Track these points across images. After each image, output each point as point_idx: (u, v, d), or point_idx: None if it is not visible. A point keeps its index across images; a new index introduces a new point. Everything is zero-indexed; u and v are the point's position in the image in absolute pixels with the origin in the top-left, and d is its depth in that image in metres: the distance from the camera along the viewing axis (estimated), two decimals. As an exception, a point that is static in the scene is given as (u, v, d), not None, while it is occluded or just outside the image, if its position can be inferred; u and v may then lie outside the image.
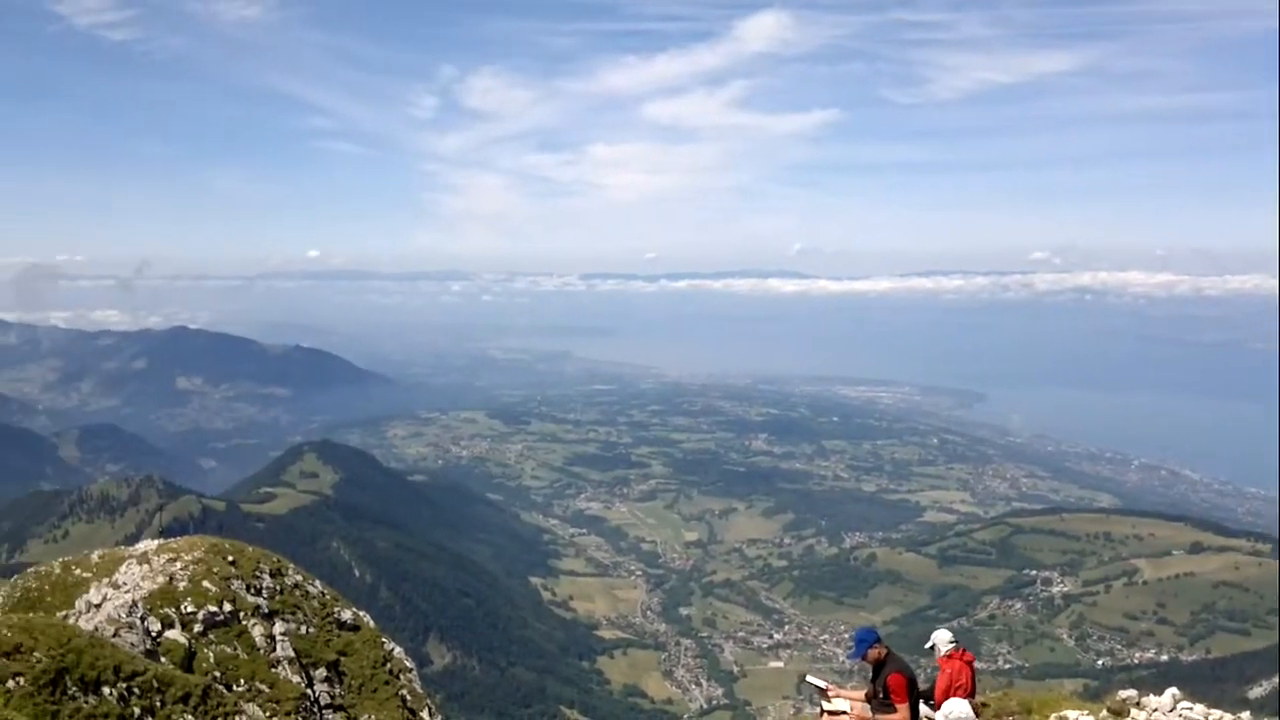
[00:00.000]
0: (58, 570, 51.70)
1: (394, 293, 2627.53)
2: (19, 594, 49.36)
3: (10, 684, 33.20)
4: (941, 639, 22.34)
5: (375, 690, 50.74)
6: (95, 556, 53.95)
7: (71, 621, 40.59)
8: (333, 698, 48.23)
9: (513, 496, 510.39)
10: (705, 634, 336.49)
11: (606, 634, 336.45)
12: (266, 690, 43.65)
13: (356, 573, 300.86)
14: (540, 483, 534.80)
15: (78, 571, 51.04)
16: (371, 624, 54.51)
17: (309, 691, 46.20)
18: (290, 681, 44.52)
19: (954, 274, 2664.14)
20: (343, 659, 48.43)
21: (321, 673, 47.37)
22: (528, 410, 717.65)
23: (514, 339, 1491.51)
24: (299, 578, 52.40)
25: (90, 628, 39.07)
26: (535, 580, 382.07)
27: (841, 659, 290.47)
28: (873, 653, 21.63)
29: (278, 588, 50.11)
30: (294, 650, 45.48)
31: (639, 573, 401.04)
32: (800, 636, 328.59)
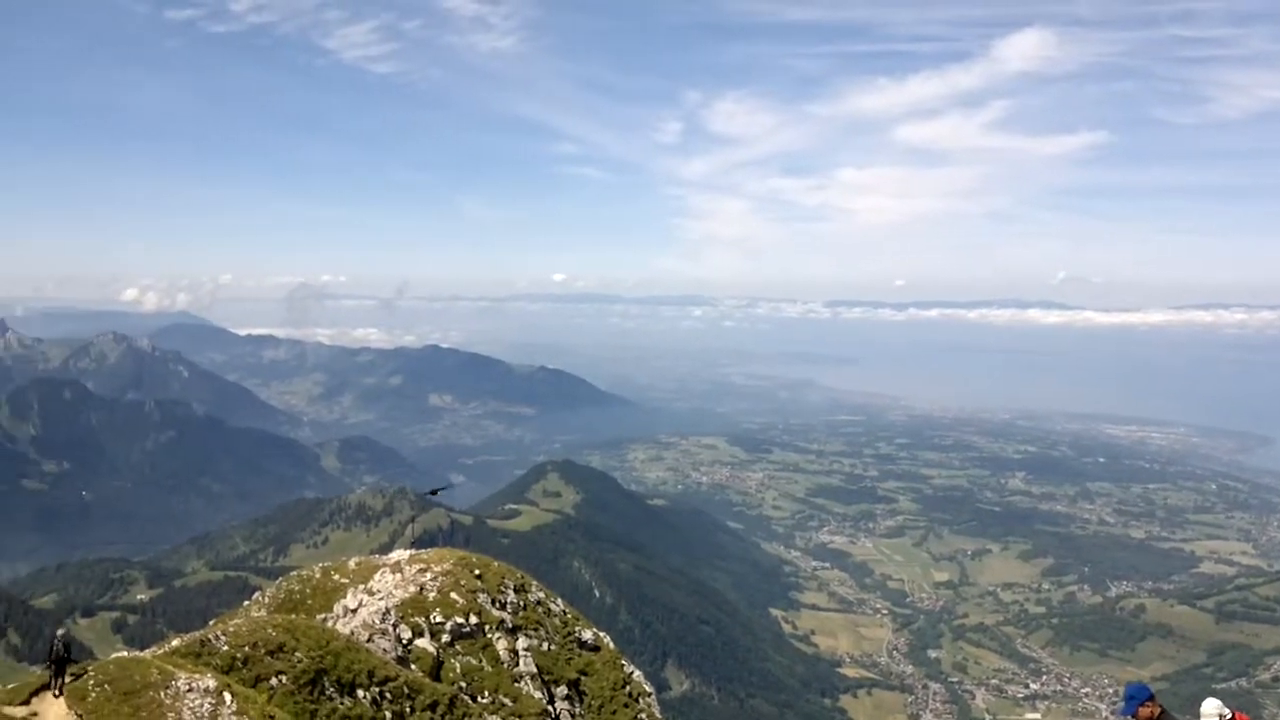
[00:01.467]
0: (318, 575, 55.84)
1: (636, 316, 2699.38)
2: (283, 595, 53.62)
3: (274, 681, 35.93)
4: (1210, 709, 20.23)
5: (615, 712, 51.61)
6: (352, 563, 57.92)
7: (330, 625, 43.61)
8: (573, 716, 49.42)
9: (753, 525, 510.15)
10: (955, 679, 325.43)
11: (850, 672, 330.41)
12: (509, 704, 45.28)
13: (597, 593, 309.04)
14: (781, 513, 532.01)
15: (336, 577, 54.90)
16: (611, 645, 55.59)
17: (550, 708, 47.57)
18: (533, 697, 45.97)
19: (1236, 307, 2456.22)
20: (583, 678, 49.53)
21: (562, 690, 48.68)
22: (769, 438, 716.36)
23: (756, 365, 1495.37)
24: (541, 594, 54.15)
25: (347, 631, 41.78)
26: (776, 612, 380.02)
27: (1105, 715, 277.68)
28: (1144, 711, 19.82)
29: (521, 603, 51.99)
30: (536, 666, 46.90)
31: (884, 611, 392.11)
32: (1059, 688, 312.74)
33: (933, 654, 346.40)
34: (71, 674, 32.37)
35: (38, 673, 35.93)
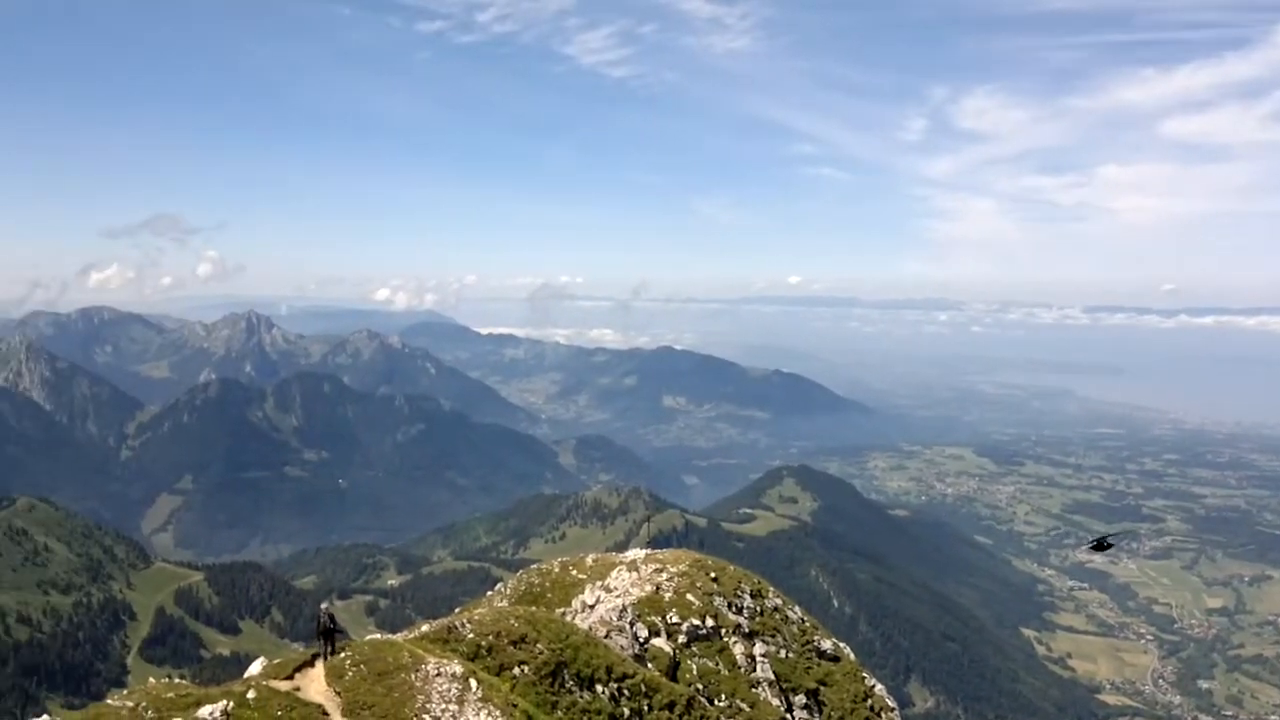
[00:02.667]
0: (556, 569, 57.76)
1: (877, 321, 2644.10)
2: (523, 588, 55.78)
3: (516, 671, 37.41)
4: None
5: (855, 727, 50.71)
6: (589, 560, 59.56)
7: (569, 619, 44.98)
8: (811, 728, 48.95)
9: (1003, 541, 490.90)
10: (1229, 712, 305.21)
11: (1110, 699, 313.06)
12: (746, 709, 45.26)
13: (835, 603, 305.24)
14: (1034, 529, 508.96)
15: (574, 572, 56.61)
16: (852, 656, 54.58)
17: (788, 717, 47.21)
18: (770, 704, 45.79)
19: None
20: (822, 688, 48.83)
21: (801, 699, 48.19)
22: (1020, 450, 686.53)
23: (1006, 373, 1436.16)
24: (779, 601, 53.82)
25: (585, 627, 42.93)
26: (1028, 632, 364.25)
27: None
28: None
29: (758, 609, 51.84)
30: (774, 673, 46.66)
31: (1149, 636, 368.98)
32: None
33: (1204, 685, 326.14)
34: (338, 647, 35.02)
35: (300, 650, 38.87)
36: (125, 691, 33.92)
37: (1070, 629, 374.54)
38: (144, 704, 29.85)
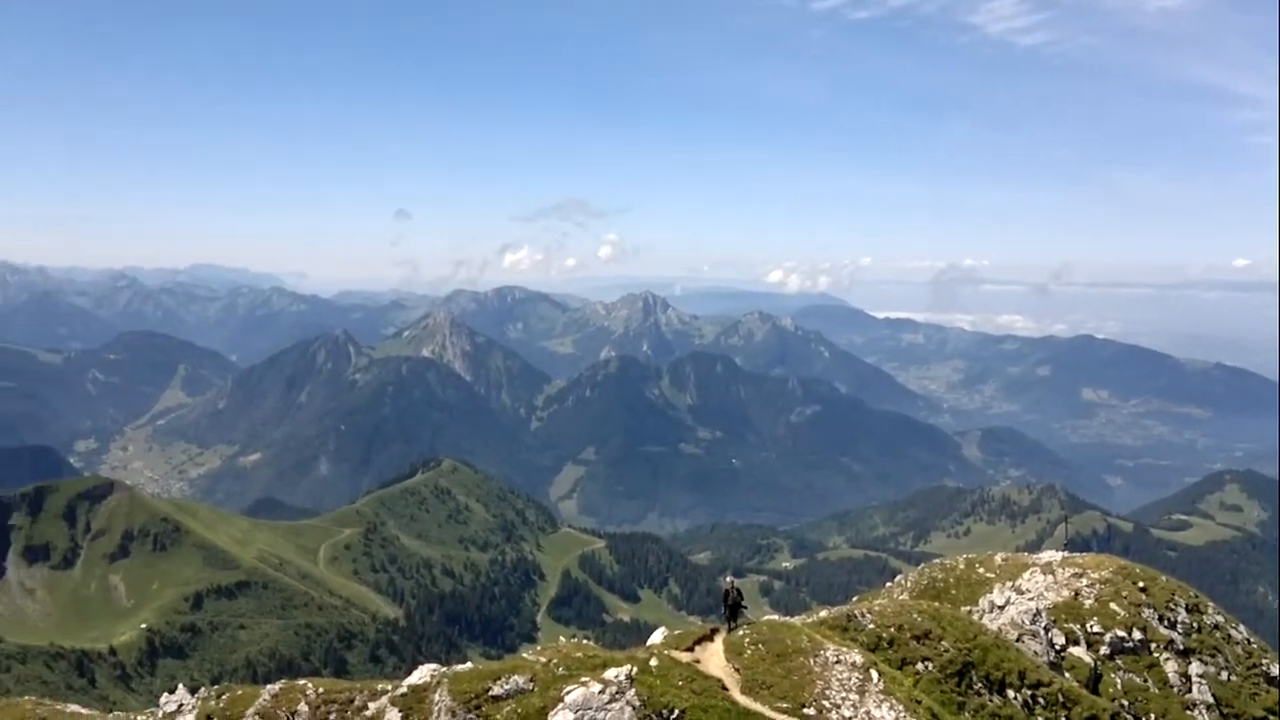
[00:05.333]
0: (961, 566, 56.13)
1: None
2: (925, 582, 54.75)
3: (919, 667, 36.88)
4: None
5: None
6: (998, 559, 57.34)
7: (975, 618, 43.68)
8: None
9: None
10: None
11: None
12: (1180, 736, 41.90)
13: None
14: None
15: (980, 570, 54.75)
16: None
17: (1233, 750, 43.05)
18: (1210, 733, 42.03)
19: None
20: (1270, 716, 44.00)
21: (1249, 732, 43.79)
22: None
23: None
24: (1219, 618, 49.01)
25: (994, 628, 41.51)
26: None
27: None
28: None
29: (1195, 625, 47.54)
30: (1213, 696, 42.64)
31: None
32: None
33: None
34: (738, 624, 36.33)
35: (697, 623, 40.62)
36: (538, 648, 37.03)
37: None
38: (555, 661, 32.42)
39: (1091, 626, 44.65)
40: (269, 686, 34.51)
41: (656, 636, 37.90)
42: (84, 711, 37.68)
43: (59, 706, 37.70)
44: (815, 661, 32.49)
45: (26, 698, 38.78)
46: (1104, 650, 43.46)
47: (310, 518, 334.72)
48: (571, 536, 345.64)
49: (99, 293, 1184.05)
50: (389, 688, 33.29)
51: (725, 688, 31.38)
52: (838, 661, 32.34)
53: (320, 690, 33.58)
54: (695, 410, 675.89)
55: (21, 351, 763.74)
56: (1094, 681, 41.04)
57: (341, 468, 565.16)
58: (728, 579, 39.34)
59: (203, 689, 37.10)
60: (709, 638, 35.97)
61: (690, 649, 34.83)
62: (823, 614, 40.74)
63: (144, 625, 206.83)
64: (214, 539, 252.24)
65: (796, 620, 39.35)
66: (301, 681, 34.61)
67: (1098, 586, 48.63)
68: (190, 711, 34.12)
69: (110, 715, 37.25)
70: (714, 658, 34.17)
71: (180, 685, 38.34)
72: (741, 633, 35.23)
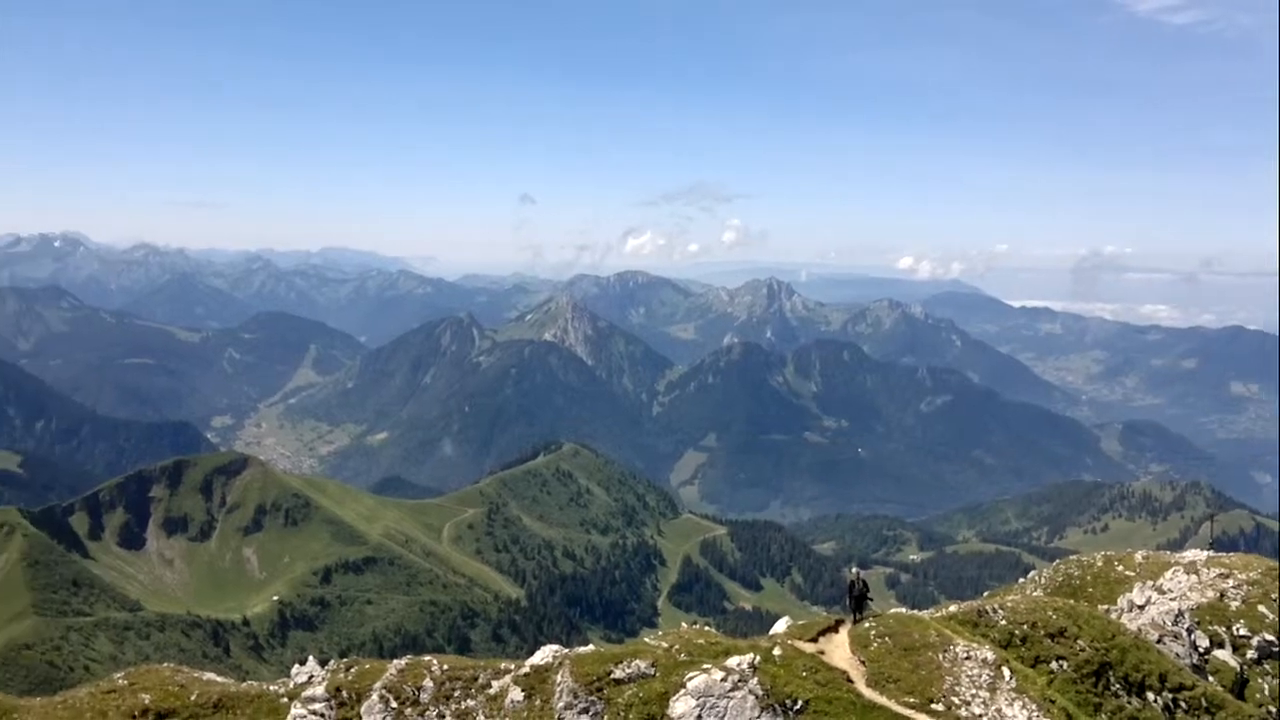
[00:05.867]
0: (1099, 563, 54.51)
1: None
2: (1060, 579, 53.34)
3: (1054, 666, 35.97)
4: None
5: None
6: (1138, 556, 55.48)
7: (1113, 617, 42.39)
8: None
9: None
10: None
11: None
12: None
13: None
14: None
15: (1119, 568, 53.09)
16: None
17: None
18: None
19: None
20: None
21: None
22: None
23: None
24: (1383, 628, 46.74)
25: (1133, 628, 40.22)
26: None
27: None
28: None
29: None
30: (1373, 712, 40.78)
31: None
32: None
33: None
34: (864, 615, 36.01)
35: (821, 614, 40.34)
36: (659, 633, 37.27)
37: None
38: (677, 646, 32.62)
39: (1238, 629, 43.03)
40: (395, 661, 35.53)
41: (780, 626, 37.78)
42: (219, 679, 39.34)
43: (196, 674, 39.42)
44: (944, 657, 32.02)
45: (166, 664, 40.71)
46: (1251, 654, 41.84)
47: (434, 497, 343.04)
48: (692, 523, 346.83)
49: (235, 274, 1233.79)
50: (512, 667, 33.97)
51: (850, 680, 31.15)
52: (968, 657, 31.81)
53: (445, 667, 34.44)
54: (820, 399, 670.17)
55: (162, 330, 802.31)
56: (1239, 687, 39.53)
57: (465, 448, 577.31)
58: (853, 570, 38.99)
59: (332, 661, 38.41)
60: (833, 629, 35.68)
61: (814, 640, 34.63)
62: (952, 608, 40.06)
63: (275, 597, 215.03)
64: (342, 515, 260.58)
65: (924, 614, 38.79)
66: (427, 657, 35.55)
67: (1245, 588, 46.83)
68: (320, 683, 35.31)
69: (244, 684, 38.81)
70: (839, 649, 33.91)
71: (310, 657, 39.76)
72: (867, 625, 34.88)
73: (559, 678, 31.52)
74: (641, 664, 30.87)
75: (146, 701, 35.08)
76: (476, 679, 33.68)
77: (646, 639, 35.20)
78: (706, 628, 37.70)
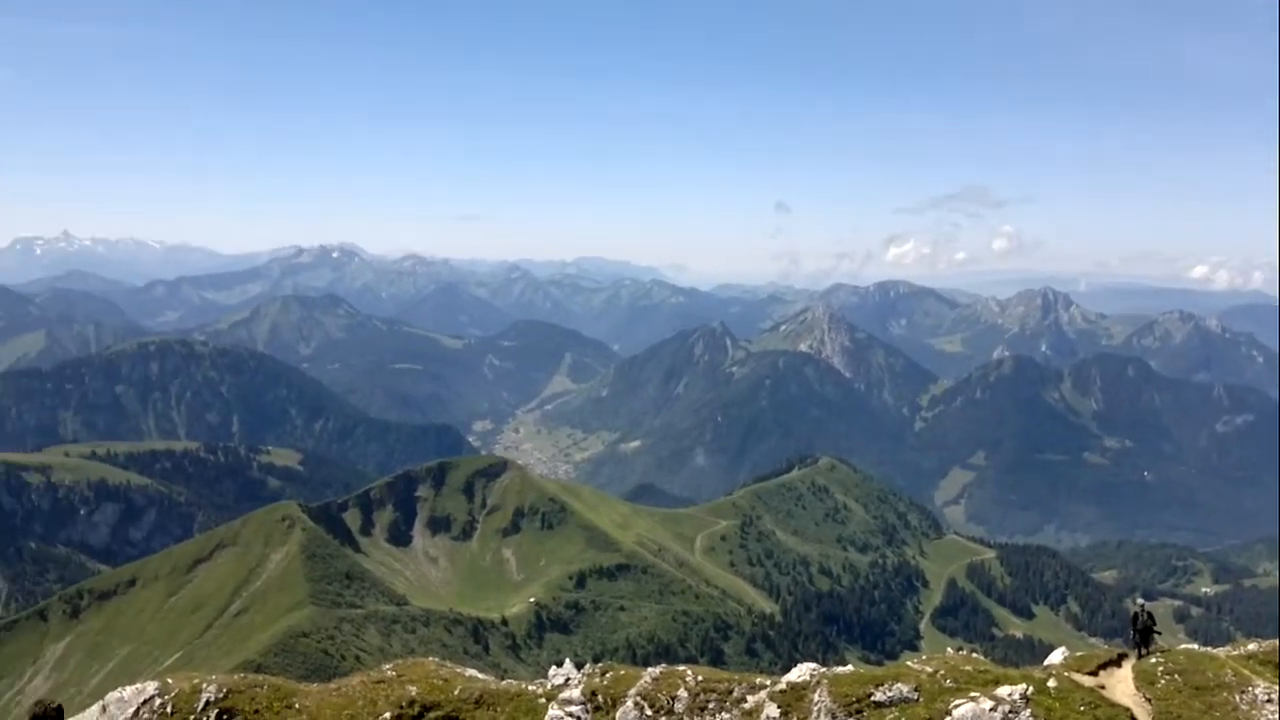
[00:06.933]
0: None
1: None
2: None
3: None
4: None
5: None
6: None
7: None
8: None
9: None
10: None
11: None
12: None
13: None
14: None
15: None
16: None
17: None
18: None
19: None
20: None
21: None
22: None
23: None
24: None
25: None
26: None
27: None
28: None
29: None
30: None
31: None
32: None
33: None
34: (1150, 650, 34.08)
35: (1101, 647, 38.34)
36: (922, 656, 36.41)
37: None
38: (942, 672, 31.72)
39: None
40: (650, 669, 36.19)
41: (1055, 656, 36.31)
42: (480, 676, 41.13)
43: (458, 670, 41.37)
44: (1241, 699, 29.83)
45: (430, 658, 42.99)
46: None
47: (686, 506, 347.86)
48: (958, 544, 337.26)
49: (495, 284, 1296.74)
50: (767, 682, 33.95)
51: (1134, 718, 29.54)
52: (1269, 700, 29.51)
53: (700, 678, 34.80)
54: (1101, 417, 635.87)
55: (428, 337, 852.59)
56: None
57: (717, 459, 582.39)
58: (1137, 601, 36.99)
59: (587, 665, 39.52)
60: (1115, 663, 33.95)
61: (1094, 673, 33.07)
62: (1250, 646, 37.19)
63: (532, 599, 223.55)
64: (596, 521, 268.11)
65: (1219, 651, 36.23)
66: (681, 667, 36.04)
67: None
68: (576, 686, 36.38)
69: (504, 682, 40.41)
70: (1121, 685, 32.23)
71: (567, 660, 41.12)
72: (1154, 660, 33.02)
73: (816, 696, 31.29)
74: (904, 688, 30.23)
75: (413, 693, 37.09)
76: (731, 692, 33.87)
77: (909, 662, 34.45)
78: (974, 654, 36.67)
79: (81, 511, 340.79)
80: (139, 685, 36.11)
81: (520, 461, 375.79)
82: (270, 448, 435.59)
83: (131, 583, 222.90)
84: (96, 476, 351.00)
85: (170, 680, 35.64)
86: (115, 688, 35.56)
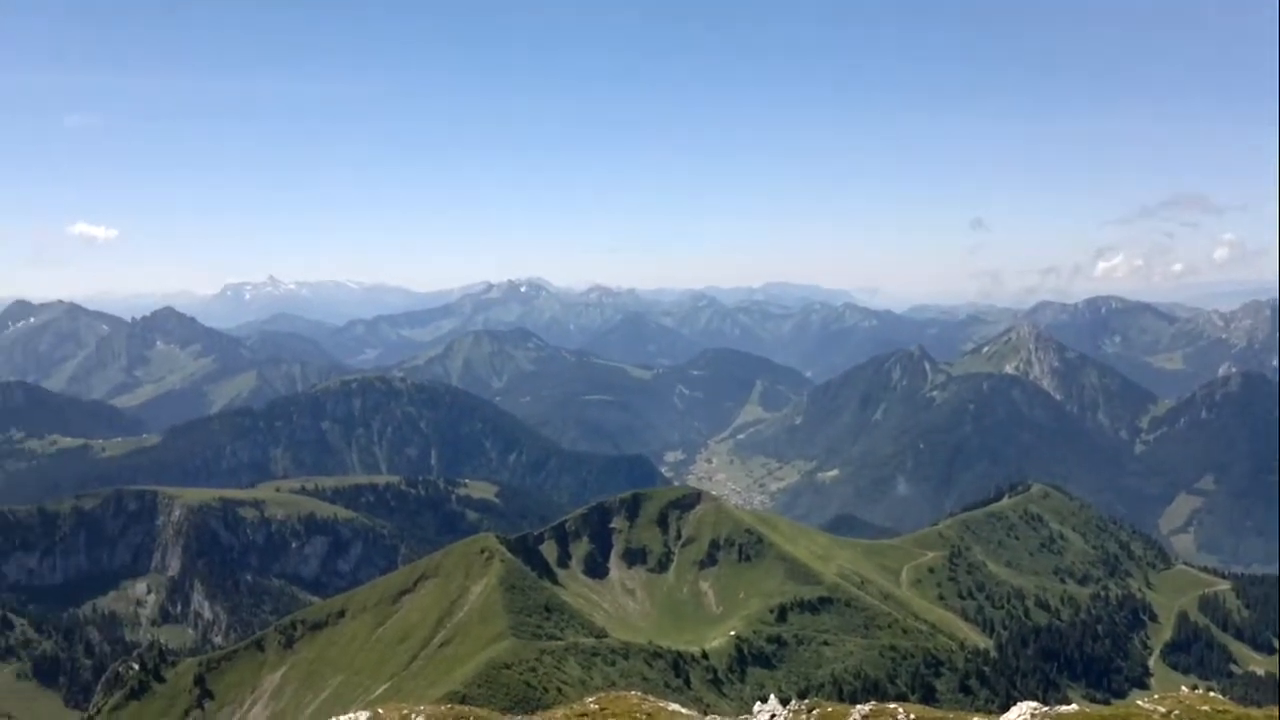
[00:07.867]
0: None
1: None
2: None
3: None
4: None
5: None
6: None
7: None
8: None
9: None
10: None
11: None
12: None
13: None
14: None
15: None
16: None
17: None
18: None
19: None
20: None
21: None
22: None
23: None
24: None
25: None
26: None
27: None
28: None
29: None
30: None
31: None
32: None
33: None
34: None
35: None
36: (1154, 695, 34.37)
37: None
38: (1177, 712, 29.83)
39: None
40: (859, 706, 35.10)
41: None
42: (683, 711, 40.86)
43: (661, 704, 41.21)
44: None
45: (633, 692, 42.99)
46: None
47: (889, 537, 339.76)
48: (1188, 574, 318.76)
49: (682, 312, 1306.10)
50: (985, 721, 32.59)
51: None
52: None
53: (912, 715, 33.55)
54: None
55: (617, 368, 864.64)
56: None
57: (920, 487, 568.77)
58: None
59: (793, 701, 38.62)
60: None
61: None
62: None
63: (733, 633, 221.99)
64: (795, 552, 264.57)
65: None
66: (892, 705, 34.84)
67: None
68: (782, 721, 35.75)
69: (706, 717, 40.03)
70: None
71: (772, 695, 40.36)
72: None
73: (1044, 736, 29.78)
74: (1143, 728, 28.47)
75: (617, 727, 37.20)
76: (946, 730, 32.65)
77: (1139, 701, 32.45)
78: (1211, 693, 34.46)
79: (293, 545, 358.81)
80: (352, 715, 37.32)
81: (715, 492, 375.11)
82: (467, 480, 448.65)
83: (341, 613, 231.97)
84: (306, 511, 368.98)
85: (381, 710, 36.73)
86: (329, 717, 36.81)
